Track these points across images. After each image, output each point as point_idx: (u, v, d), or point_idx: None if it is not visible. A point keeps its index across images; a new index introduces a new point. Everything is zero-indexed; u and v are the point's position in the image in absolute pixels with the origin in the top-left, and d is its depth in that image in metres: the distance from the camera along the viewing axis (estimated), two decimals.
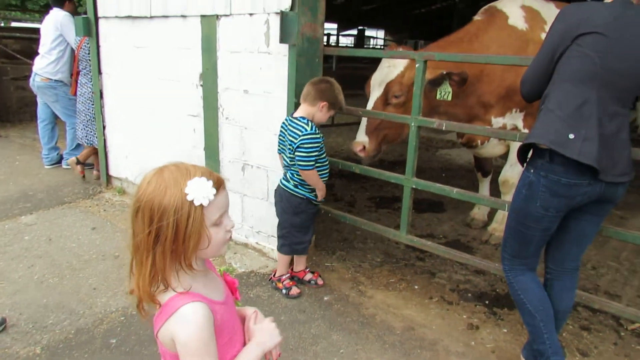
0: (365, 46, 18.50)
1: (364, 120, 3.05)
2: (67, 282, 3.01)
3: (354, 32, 18.75)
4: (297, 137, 2.58)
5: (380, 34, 23.90)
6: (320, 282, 3.00)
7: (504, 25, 3.14)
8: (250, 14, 3.00)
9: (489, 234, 3.73)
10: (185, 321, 1.05)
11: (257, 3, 2.93)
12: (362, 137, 3.02)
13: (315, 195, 2.77)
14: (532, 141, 1.86)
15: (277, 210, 2.88)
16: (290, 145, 2.64)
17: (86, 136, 4.76)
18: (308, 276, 3.02)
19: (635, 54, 1.74)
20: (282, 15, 2.71)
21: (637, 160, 2.02)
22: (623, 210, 4.59)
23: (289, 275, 2.95)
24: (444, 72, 2.85)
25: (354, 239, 3.73)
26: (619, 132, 1.81)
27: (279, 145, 2.79)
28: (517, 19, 3.16)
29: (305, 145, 2.57)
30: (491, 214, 3.91)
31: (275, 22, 2.83)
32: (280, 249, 2.91)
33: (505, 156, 3.53)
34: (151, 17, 3.69)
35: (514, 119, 3.23)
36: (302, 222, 2.83)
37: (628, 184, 1.89)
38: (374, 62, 3.25)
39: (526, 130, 3.12)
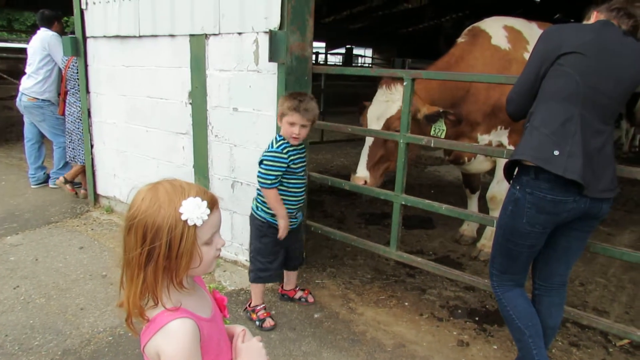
0: (353, 64, 18.74)
1: (364, 155, 3.07)
2: (53, 303, 2.96)
3: (342, 50, 19.01)
4: (265, 150, 2.58)
5: (369, 52, 24.24)
6: (310, 299, 2.98)
7: (488, 45, 3.22)
8: (239, 33, 3.04)
9: (479, 250, 3.75)
10: (172, 336, 1.05)
11: (246, 22, 2.97)
12: (362, 173, 3.04)
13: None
14: (517, 158, 1.89)
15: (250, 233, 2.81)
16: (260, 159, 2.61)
17: (76, 156, 4.73)
18: (298, 294, 3.00)
19: (614, 72, 1.79)
20: (271, 34, 2.75)
21: (624, 178, 2.06)
22: (610, 227, 4.65)
23: (263, 306, 2.78)
24: (441, 110, 2.90)
25: (344, 255, 3.72)
26: (602, 148, 1.84)
27: None
28: (500, 39, 3.24)
29: (266, 162, 2.52)
30: (480, 230, 3.94)
31: (264, 41, 2.87)
32: (249, 275, 2.79)
33: (492, 172, 3.57)
34: (140, 37, 3.72)
35: (499, 136, 3.29)
36: (266, 247, 2.67)
37: (612, 200, 1.93)
38: (362, 80, 3.32)
39: (512, 147, 3.17)
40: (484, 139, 3.27)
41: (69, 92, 4.68)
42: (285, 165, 2.54)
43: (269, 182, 2.53)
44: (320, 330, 2.72)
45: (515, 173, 1.98)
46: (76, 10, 4.19)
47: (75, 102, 4.62)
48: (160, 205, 1.05)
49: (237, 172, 3.29)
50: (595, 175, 1.82)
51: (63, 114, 4.80)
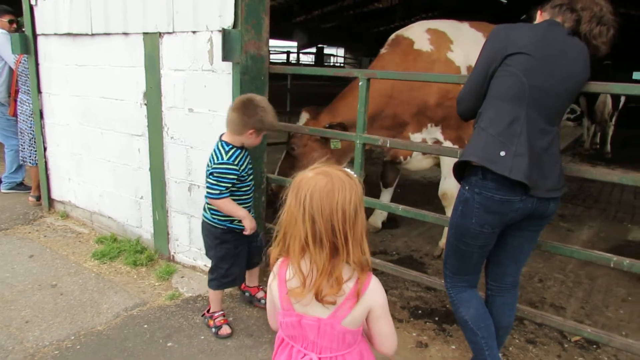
0: (325, 63, 18.75)
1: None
2: None
3: (314, 50, 19.00)
4: (212, 163, 2.42)
5: (341, 51, 24.28)
6: None
7: (410, 50, 3.31)
8: (194, 32, 2.95)
9: (441, 249, 3.76)
10: (378, 287, 1.30)
11: (199, 21, 2.89)
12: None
13: (234, 221, 2.54)
14: (464, 159, 1.88)
15: (204, 243, 2.70)
16: (207, 169, 2.48)
17: (30, 156, 4.54)
18: (260, 294, 2.93)
19: (559, 72, 1.80)
20: (224, 32, 2.68)
21: (582, 177, 2.08)
22: (570, 223, 4.75)
23: (222, 312, 2.70)
24: (327, 125, 3.07)
25: None
26: (549, 148, 1.85)
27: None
28: (422, 42, 3.32)
29: (216, 174, 2.38)
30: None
31: (219, 40, 2.79)
32: (209, 283, 2.67)
33: (437, 171, 3.64)
34: (92, 35, 3.58)
35: (432, 133, 3.37)
36: (227, 252, 2.58)
37: (559, 200, 1.93)
38: (331, 80, 3.35)
39: (449, 143, 3.26)
40: (416, 137, 3.36)
41: (20, 90, 4.47)
42: (236, 176, 2.45)
43: (217, 192, 2.41)
44: None
45: (464, 173, 1.97)
46: (25, 6, 4.01)
47: (27, 100, 4.42)
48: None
49: (194, 174, 3.20)
50: (542, 174, 1.83)
51: (14, 115, 4.59)
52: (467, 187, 1.91)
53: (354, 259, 1.21)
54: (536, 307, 3.09)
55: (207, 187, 2.43)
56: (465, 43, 3.33)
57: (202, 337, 2.64)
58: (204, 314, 2.75)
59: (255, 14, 2.76)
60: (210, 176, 2.41)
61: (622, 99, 8.28)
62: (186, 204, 3.29)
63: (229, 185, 2.43)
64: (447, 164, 3.32)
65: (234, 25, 2.72)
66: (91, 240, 3.91)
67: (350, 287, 1.24)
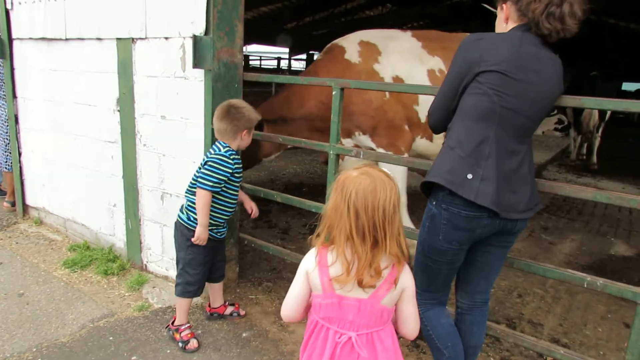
0: None
1: None
2: None
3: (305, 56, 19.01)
4: (209, 155, 2.47)
5: None
6: (242, 312, 2.87)
7: (341, 59, 3.45)
8: (166, 38, 2.89)
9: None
10: (411, 273, 1.51)
11: (172, 27, 2.83)
12: None
13: (213, 229, 2.56)
14: (431, 179, 1.82)
15: (175, 244, 2.66)
16: (201, 164, 2.50)
17: (6, 162, 4.44)
18: (229, 310, 2.87)
19: (531, 91, 1.73)
20: (195, 39, 2.62)
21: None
22: (552, 236, 4.72)
23: (188, 325, 2.64)
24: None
25: (283, 268, 3.61)
26: (518, 169, 1.79)
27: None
28: (352, 53, 3.47)
29: (211, 164, 2.41)
30: None
31: (191, 47, 2.73)
32: (175, 289, 2.63)
33: None
34: (67, 40, 3.51)
35: (364, 142, 3.46)
36: (196, 257, 2.55)
37: (528, 218, 1.88)
38: None
39: (381, 150, 3.39)
40: (346, 142, 3.51)
41: None
42: (230, 171, 2.47)
43: (210, 184, 2.41)
44: (246, 350, 2.59)
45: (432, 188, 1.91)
46: (1, 10, 3.94)
47: (2, 104, 4.33)
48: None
49: (167, 183, 3.13)
50: (513, 195, 1.77)
51: None
52: (434, 202, 1.85)
53: (391, 251, 1.37)
54: (514, 323, 3.04)
55: (200, 177, 2.42)
56: (394, 54, 3.49)
57: (168, 351, 2.56)
58: (169, 325, 2.67)
59: (228, 21, 2.71)
60: (206, 165, 2.42)
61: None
62: (159, 212, 3.21)
63: (222, 179, 2.44)
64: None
65: (206, 32, 2.67)
66: (64, 248, 3.82)
67: (388, 273, 1.42)
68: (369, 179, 1.36)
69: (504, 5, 1.84)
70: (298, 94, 3.50)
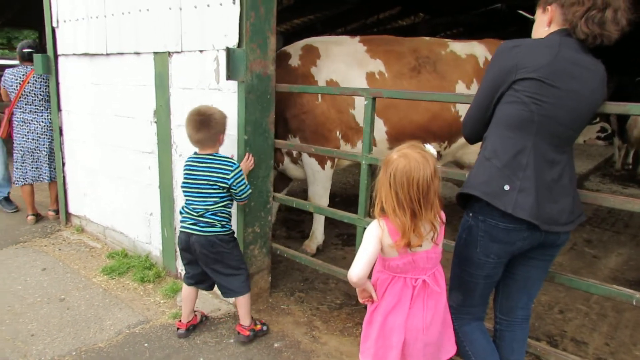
0: None
1: None
2: (5, 328, 2.83)
3: None
4: (229, 173, 2.55)
5: None
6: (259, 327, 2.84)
7: (285, 64, 3.59)
8: (201, 51, 2.95)
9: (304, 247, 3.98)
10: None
11: (206, 40, 2.89)
12: None
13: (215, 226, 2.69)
14: (467, 192, 1.76)
15: (202, 266, 2.70)
16: (216, 184, 2.56)
17: (49, 173, 4.61)
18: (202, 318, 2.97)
19: (571, 100, 1.66)
20: (229, 52, 2.66)
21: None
22: (597, 249, 4.50)
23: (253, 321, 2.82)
24: None
25: (315, 278, 3.59)
26: (559, 179, 1.72)
27: (187, 184, 2.62)
28: (294, 57, 3.64)
29: (241, 178, 2.60)
30: None
31: (224, 59, 2.78)
32: (242, 289, 2.71)
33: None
34: (107, 55, 3.65)
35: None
36: (239, 255, 2.74)
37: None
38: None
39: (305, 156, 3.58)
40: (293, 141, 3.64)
41: (26, 110, 4.48)
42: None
43: (249, 188, 2.66)
44: None
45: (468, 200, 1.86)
46: (48, 29, 4.14)
47: (35, 118, 4.48)
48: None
49: None
50: (555, 207, 1.70)
51: (6, 137, 4.67)
52: (470, 214, 1.80)
53: (427, 219, 1.68)
54: (555, 341, 2.90)
55: (243, 193, 2.61)
56: (334, 58, 3.57)
57: (201, 359, 2.58)
58: (239, 331, 2.73)
59: (261, 33, 2.75)
60: (238, 184, 2.58)
61: None
62: None
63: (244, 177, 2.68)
64: (309, 172, 3.72)
65: (239, 45, 2.71)
66: (103, 255, 3.93)
67: (438, 225, 1.75)
68: (404, 160, 1.64)
69: (548, 8, 1.76)
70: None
